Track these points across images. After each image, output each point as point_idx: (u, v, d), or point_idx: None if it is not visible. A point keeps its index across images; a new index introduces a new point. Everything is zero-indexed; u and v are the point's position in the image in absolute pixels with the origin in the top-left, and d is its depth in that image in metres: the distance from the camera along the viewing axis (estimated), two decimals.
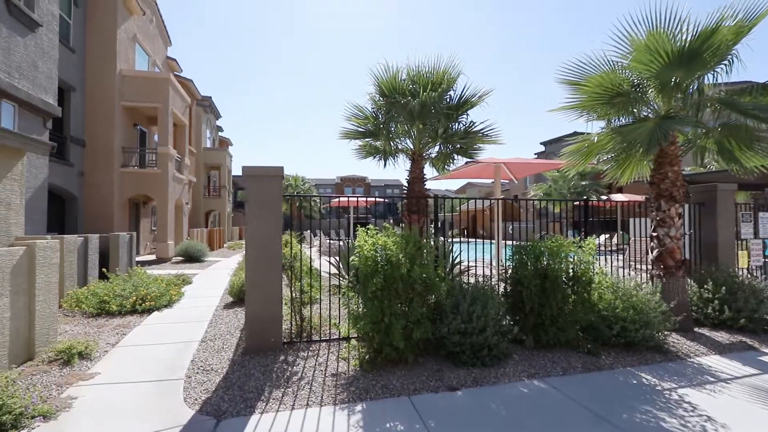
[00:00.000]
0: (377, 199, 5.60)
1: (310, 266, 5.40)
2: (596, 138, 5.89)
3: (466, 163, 7.88)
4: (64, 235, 7.01)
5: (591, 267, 4.53)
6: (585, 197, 6.62)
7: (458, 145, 7.26)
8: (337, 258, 8.62)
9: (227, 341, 4.99)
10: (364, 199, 10.61)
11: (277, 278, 4.57)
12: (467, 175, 9.62)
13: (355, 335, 4.66)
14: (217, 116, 32.88)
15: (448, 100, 6.89)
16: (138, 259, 13.73)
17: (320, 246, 7.02)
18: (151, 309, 6.58)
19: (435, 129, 6.74)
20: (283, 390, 3.54)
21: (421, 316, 3.93)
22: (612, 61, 5.48)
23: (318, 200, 38.42)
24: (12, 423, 2.87)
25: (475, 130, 6.98)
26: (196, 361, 4.30)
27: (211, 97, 29.00)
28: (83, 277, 7.56)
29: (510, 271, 4.78)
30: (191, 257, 14.61)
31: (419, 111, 6.28)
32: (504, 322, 4.19)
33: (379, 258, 3.92)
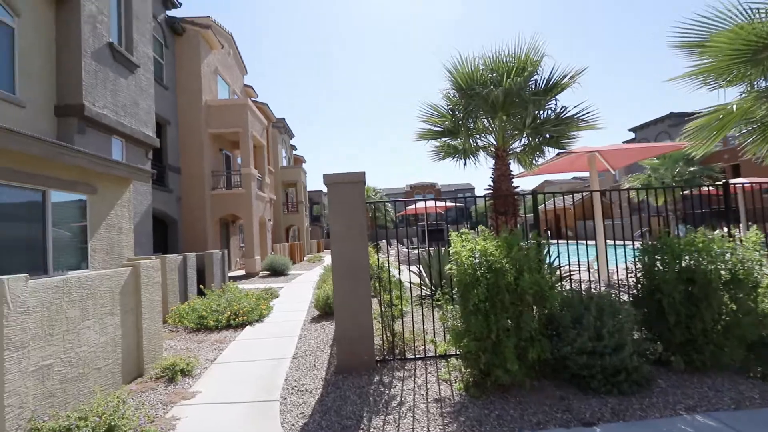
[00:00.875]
0: (456, 202, 5.09)
1: (399, 278, 5.04)
2: (734, 106, 4.79)
3: (558, 154, 7.02)
4: (166, 255, 7.50)
5: (758, 266, 3.54)
6: (724, 180, 5.42)
7: (548, 135, 6.48)
8: (419, 267, 8.22)
9: (318, 358, 4.80)
10: (443, 202, 10.11)
11: (365, 290, 4.27)
12: (556, 169, 8.66)
13: (454, 352, 4.18)
14: (291, 136, 34.70)
15: (533, 85, 6.18)
16: (230, 274, 14.64)
17: (398, 255, 6.60)
18: (244, 324, 6.72)
19: (522, 119, 6.07)
20: (383, 417, 3.17)
21: (534, 331, 3.33)
22: (750, 8, 4.41)
23: (391, 209, 38.57)
24: None
25: (568, 115, 6.16)
26: (289, 380, 4.13)
27: (284, 119, 30.69)
28: (184, 293, 8.05)
29: (640, 275, 3.95)
30: (276, 271, 15.23)
31: (502, 100, 5.68)
32: (640, 339, 3.40)
33: (480, 266, 3.41)
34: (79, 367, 3.50)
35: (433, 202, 20.29)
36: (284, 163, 31.43)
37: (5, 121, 5.48)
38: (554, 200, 31.76)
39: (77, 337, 3.50)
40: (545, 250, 3.85)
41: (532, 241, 3.74)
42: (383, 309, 4.63)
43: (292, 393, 3.79)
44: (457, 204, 19.47)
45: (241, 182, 16.17)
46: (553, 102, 6.17)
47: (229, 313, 6.76)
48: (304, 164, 37.23)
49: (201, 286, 8.55)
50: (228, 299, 7.46)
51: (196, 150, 15.35)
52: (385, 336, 4.62)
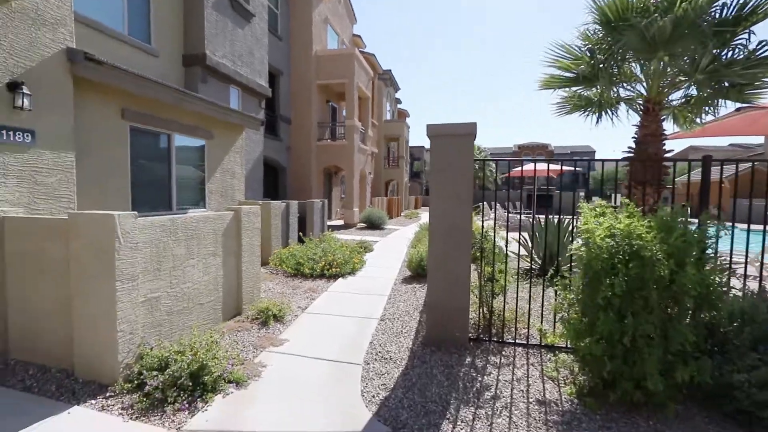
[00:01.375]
0: (576, 166, 4.04)
1: (506, 249, 4.39)
2: None
3: (738, 109, 5.31)
4: (271, 201, 7.87)
5: None
6: None
7: (728, 83, 4.85)
8: (526, 237, 7.33)
9: (405, 324, 4.53)
10: (557, 166, 8.79)
11: (465, 259, 3.75)
12: (727, 130, 6.70)
13: (565, 345, 3.50)
14: (396, 89, 34.09)
15: (717, 13, 4.57)
16: (329, 223, 15.32)
17: (506, 221, 5.82)
18: (337, 275, 6.80)
19: (692, 60, 4.59)
20: (473, 411, 2.74)
21: (689, 345, 2.49)
22: None
23: (494, 169, 36.34)
24: (212, 385, 2.92)
25: (765, 54, 4.47)
26: (374, 343, 3.94)
27: (390, 70, 30.06)
28: (285, 238, 8.49)
29: None
30: (373, 224, 15.48)
31: (669, 34, 4.29)
32: None
33: (620, 250, 2.61)
34: (183, 302, 3.72)
35: (546, 164, 18.28)
36: (388, 117, 31.25)
37: (141, 70, 5.94)
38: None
39: (182, 273, 3.70)
40: (713, 236, 2.84)
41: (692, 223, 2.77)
42: (482, 281, 4.09)
43: (375, 359, 3.58)
44: (577, 169, 17.01)
45: (345, 134, 16.37)
46: (745, 35, 4.52)
47: (323, 263, 6.88)
48: (407, 118, 36.63)
49: (301, 233, 8.93)
50: (324, 249, 7.63)
51: (305, 101, 15.83)
52: (481, 312, 4.11)
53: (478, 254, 4.19)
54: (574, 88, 5.93)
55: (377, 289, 6.13)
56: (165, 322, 3.50)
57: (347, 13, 20.29)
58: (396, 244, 11.20)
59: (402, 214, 25.40)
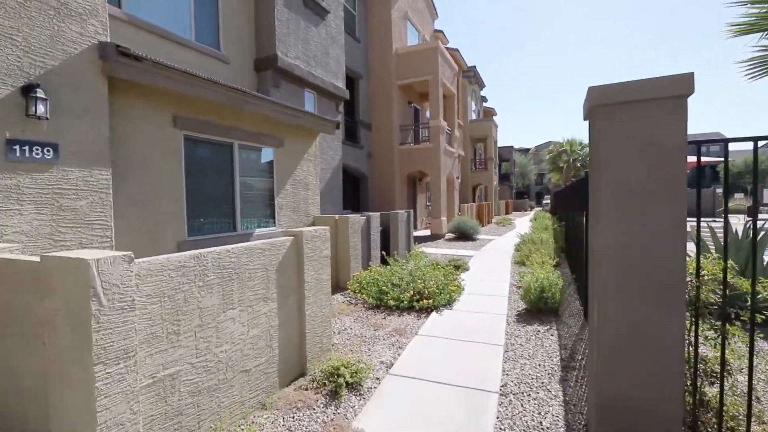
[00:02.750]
0: None
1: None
2: None
3: None
4: (349, 215, 6.76)
5: None
6: None
7: None
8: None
9: (543, 406, 2.90)
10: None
11: (676, 326, 2.05)
12: None
13: None
14: (482, 86, 31.81)
15: None
16: (415, 234, 13.99)
17: (699, 241, 3.72)
18: (429, 308, 5.36)
19: None
20: None
21: None
22: None
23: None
24: None
25: None
26: None
27: (475, 67, 27.99)
28: (366, 258, 7.31)
29: None
30: (463, 234, 13.77)
31: None
32: None
33: None
34: (219, 373, 2.60)
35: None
36: (473, 116, 29.14)
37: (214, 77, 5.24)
38: None
39: (216, 332, 2.58)
40: None
41: None
42: (696, 356, 2.31)
43: None
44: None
45: (429, 136, 14.96)
46: None
47: (412, 292, 5.50)
48: (494, 117, 34.00)
49: (384, 252, 7.69)
50: (411, 271, 6.27)
51: (385, 103, 14.81)
52: (695, 407, 2.32)
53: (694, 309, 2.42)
54: None
55: (485, 331, 4.54)
56: (189, 407, 2.40)
57: (427, 7, 18.98)
58: (495, 260, 9.39)
59: (493, 220, 23.10)
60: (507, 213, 33.18)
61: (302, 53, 8.41)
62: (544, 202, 49.81)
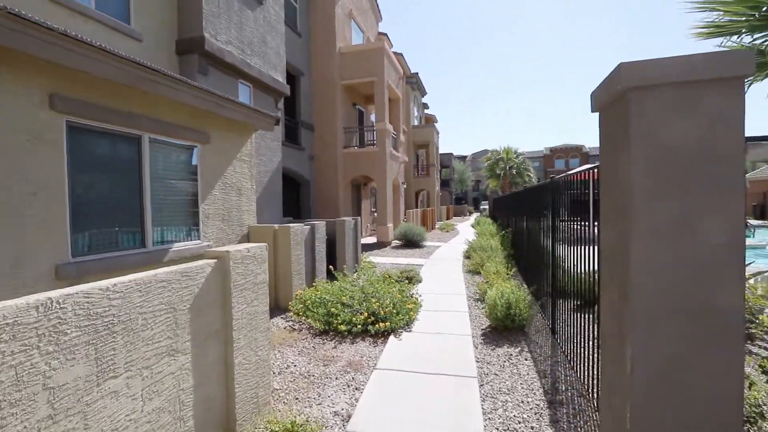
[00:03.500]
0: None
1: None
2: None
3: None
4: (291, 224, 5.86)
5: None
6: None
7: None
8: None
9: None
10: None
11: (735, 370, 1.54)
12: None
13: None
14: (423, 93, 32.10)
15: None
16: (361, 241, 13.26)
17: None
18: (386, 332, 4.66)
19: None
20: None
21: None
22: None
23: (531, 173, 33.57)
24: None
25: None
26: None
27: (417, 73, 28.13)
28: (311, 273, 6.44)
29: None
30: (410, 241, 13.32)
31: None
32: None
33: None
34: None
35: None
36: (415, 122, 29.23)
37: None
38: None
39: (83, 421, 1.64)
40: None
41: None
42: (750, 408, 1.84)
43: None
44: None
45: (375, 139, 14.37)
46: None
47: (366, 314, 4.76)
48: (435, 124, 34.51)
49: (331, 267, 6.86)
50: (363, 287, 5.53)
51: (328, 103, 13.97)
52: None
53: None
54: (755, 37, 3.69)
55: (454, 359, 3.93)
56: None
57: (372, 9, 18.51)
58: (447, 270, 8.96)
59: (436, 226, 23.11)
60: (448, 218, 33.72)
61: (236, 38, 7.35)
62: (481, 207, 51.82)
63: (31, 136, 3.17)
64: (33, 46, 2.94)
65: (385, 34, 19.89)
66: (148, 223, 4.21)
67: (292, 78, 12.48)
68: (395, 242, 14.11)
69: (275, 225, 5.86)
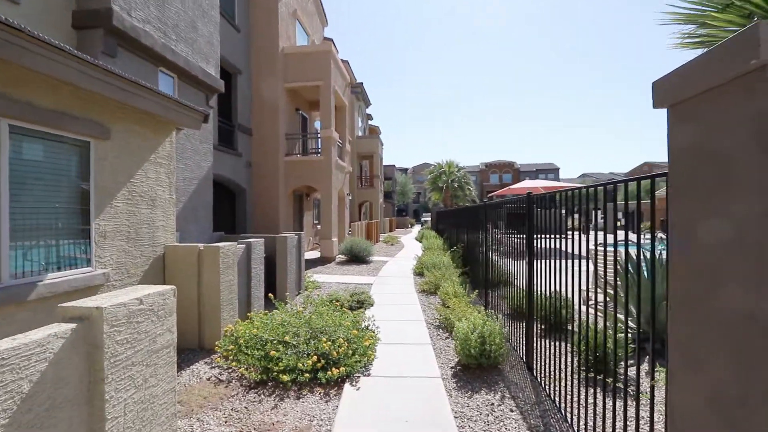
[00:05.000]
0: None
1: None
2: None
3: None
4: (220, 244, 4.77)
5: None
6: None
7: None
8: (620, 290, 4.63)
9: None
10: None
11: None
12: None
13: None
14: (368, 104, 31.75)
15: None
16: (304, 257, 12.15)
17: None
18: (340, 380, 3.78)
19: None
20: None
21: None
22: None
23: (471, 187, 34.48)
24: None
25: None
26: None
27: (362, 83, 27.70)
28: (245, 302, 5.35)
29: None
30: (356, 257, 12.49)
31: None
32: None
33: None
34: None
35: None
36: (359, 133, 28.68)
37: None
38: None
39: None
40: None
41: None
42: None
43: None
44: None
45: (320, 148, 13.44)
46: None
47: (315, 357, 3.84)
48: (379, 135, 34.28)
49: (270, 294, 5.82)
50: (309, 319, 4.59)
51: (270, 107, 12.81)
52: None
53: None
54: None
55: (425, 414, 3.15)
56: None
57: (318, 13, 17.70)
58: (398, 290, 8.24)
59: (381, 238, 22.51)
60: (391, 230, 33.40)
61: (156, 18, 6.12)
62: (422, 219, 52.48)
63: None
64: None
65: (331, 40, 19.13)
66: (4, 246, 2.96)
67: (228, 75, 11.21)
68: (340, 257, 13.19)
69: (200, 245, 4.73)
